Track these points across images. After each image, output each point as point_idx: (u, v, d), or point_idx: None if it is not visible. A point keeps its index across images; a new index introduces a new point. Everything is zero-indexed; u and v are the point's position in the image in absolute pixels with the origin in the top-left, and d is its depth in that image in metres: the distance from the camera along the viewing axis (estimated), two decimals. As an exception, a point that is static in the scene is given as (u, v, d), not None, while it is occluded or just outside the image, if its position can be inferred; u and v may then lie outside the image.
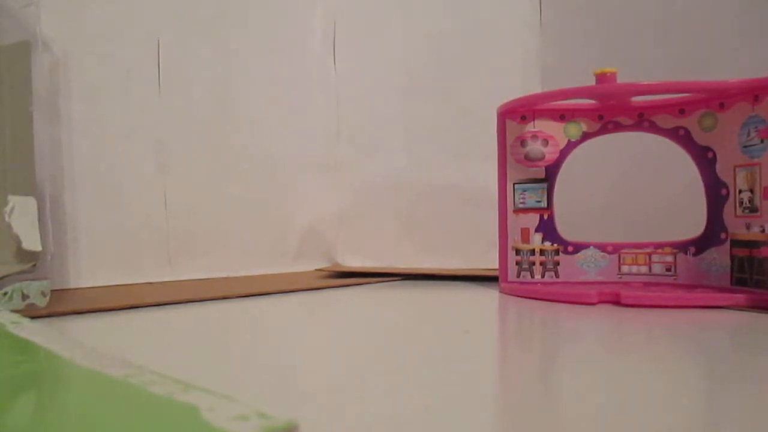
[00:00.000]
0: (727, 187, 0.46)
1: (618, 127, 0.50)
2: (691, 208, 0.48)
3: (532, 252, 0.51)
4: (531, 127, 0.51)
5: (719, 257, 0.46)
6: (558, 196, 0.51)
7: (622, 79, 0.46)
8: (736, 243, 0.45)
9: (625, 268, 0.50)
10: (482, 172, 0.60)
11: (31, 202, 0.45)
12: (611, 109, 0.50)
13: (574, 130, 0.50)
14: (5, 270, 0.41)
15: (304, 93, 0.70)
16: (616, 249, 0.50)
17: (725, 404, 0.21)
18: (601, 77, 0.46)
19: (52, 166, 0.52)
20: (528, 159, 0.51)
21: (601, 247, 0.51)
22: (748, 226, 0.44)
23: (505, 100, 0.51)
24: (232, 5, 0.64)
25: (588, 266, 0.51)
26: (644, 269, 0.49)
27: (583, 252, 0.51)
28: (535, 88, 0.63)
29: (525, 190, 0.52)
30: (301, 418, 0.14)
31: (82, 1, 0.54)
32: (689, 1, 0.60)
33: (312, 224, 0.71)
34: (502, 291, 0.51)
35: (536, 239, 0.51)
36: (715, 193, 0.47)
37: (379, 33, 0.69)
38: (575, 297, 0.44)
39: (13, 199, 0.44)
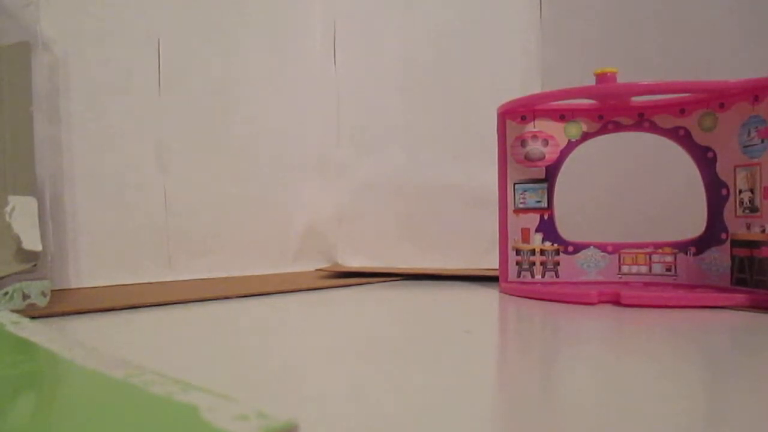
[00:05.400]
0: (727, 187, 0.46)
1: (618, 127, 0.50)
2: (691, 208, 0.48)
3: (533, 252, 0.51)
4: (531, 127, 0.51)
5: (719, 257, 0.46)
6: (558, 196, 0.51)
7: (622, 79, 0.46)
8: (736, 243, 0.45)
9: (625, 268, 0.50)
10: (482, 172, 0.60)
11: (31, 202, 0.45)
12: (611, 109, 0.50)
13: (574, 130, 0.50)
14: (5, 270, 0.41)
15: (304, 93, 0.70)
16: (616, 249, 0.50)
17: (725, 404, 0.21)
18: (601, 77, 0.46)
19: (52, 166, 0.52)
20: (528, 159, 0.51)
21: (601, 247, 0.51)
22: (748, 226, 0.44)
23: (505, 100, 0.51)
24: (232, 5, 0.64)
25: (588, 266, 0.51)
26: (644, 269, 0.49)
27: (583, 252, 0.51)
28: (535, 88, 0.63)
29: (525, 190, 0.52)
30: (301, 418, 0.14)
31: (82, 1, 0.54)
32: (689, 1, 0.60)
33: (312, 224, 0.71)
34: (502, 291, 0.51)
35: (536, 239, 0.51)
36: (716, 193, 0.47)
37: (379, 33, 0.69)
38: (575, 297, 0.44)
39: (13, 199, 0.44)
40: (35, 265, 0.42)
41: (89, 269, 0.55)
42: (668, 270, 0.49)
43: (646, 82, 0.45)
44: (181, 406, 0.15)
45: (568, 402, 0.22)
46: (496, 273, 0.53)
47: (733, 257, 0.45)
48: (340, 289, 0.55)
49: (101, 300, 0.45)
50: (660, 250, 0.49)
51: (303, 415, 0.20)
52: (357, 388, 0.23)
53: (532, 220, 0.51)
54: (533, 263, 0.51)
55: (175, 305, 0.45)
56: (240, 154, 0.65)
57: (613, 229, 0.58)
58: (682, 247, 0.48)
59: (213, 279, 0.62)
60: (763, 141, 0.42)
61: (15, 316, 0.28)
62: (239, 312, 0.43)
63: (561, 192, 0.51)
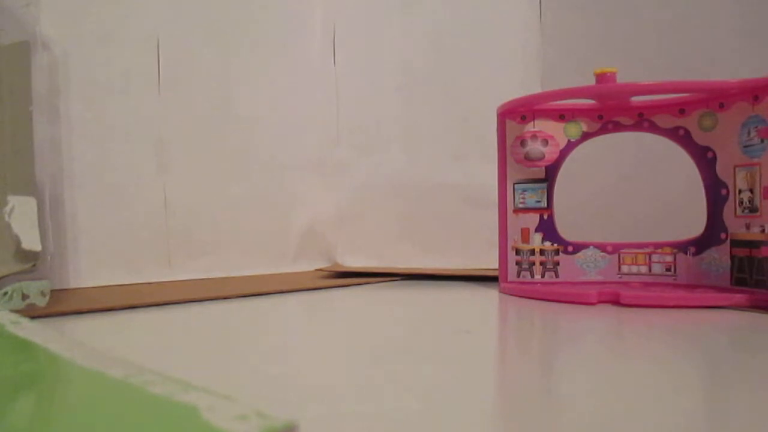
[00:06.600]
0: (727, 187, 0.46)
1: (618, 127, 0.50)
2: (691, 208, 0.48)
3: (532, 252, 0.51)
4: (531, 127, 0.51)
5: (719, 257, 0.46)
6: (558, 196, 0.51)
7: (622, 79, 0.46)
8: (736, 243, 0.45)
9: (624, 268, 0.50)
10: (482, 172, 0.60)
11: (31, 202, 0.45)
12: (611, 109, 0.50)
13: (574, 130, 0.50)
14: (5, 270, 0.41)
15: (304, 93, 0.69)
16: (616, 249, 0.50)
17: (725, 404, 0.21)
18: (601, 77, 0.46)
19: (52, 166, 0.52)
20: (528, 159, 0.51)
21: (601, 247, 0.51)
22: (747, 226, 0.44)
23: (505, 100, 0.51)
24: (232, 5, 0.64)
25: (588, 266, 0.51)
26: (644, 269, 0.49)
27: (583, 252, 0.51)
28: (535, 88, 0.63)
29: (525, 190, 0.52)
30: (301, 418, 0.14)
31: (82, 1, 0.54)
32: (689, 2, 0.60)
33: (312, 224, 0.71)
34: (502, 291, 0.51)
35: (536, 239, 0.51)
36: (715, 193, 0.47)
37: (378, 33, 0.69)
38: (575, 297, 0.44)
39: (13, 199, 0.44)
40: (34, 265, 0.42)
41: (89, 269, 0.55)
42: (668, 270, 0.49)
43: (646, 82, 0.45)
44: (181, 406, 0.15)
45: (568, 402, 0.22)
46: (496, 273, 0.53)
47: (732, 257, 0.45)
48: (340, 289, 0.55)
49: (101, 300, 0.45)
50: (660, 250, 0.49)
51: (303, 415, 0.20)
52: (357, 388, 0.23)
53: (532, 219, 0.51)
54: (533, 263, 0.51)
55: (174, 305, 0.45)
56: (240, 154, 0.65)
57: (613, 229, 0.58)
58: (681, 247, 0.48)
59: (213, 279, 0.62)
60: (762, 141, 0.42)
61: (14, 316, 0.28)
62: (239, 312, 0.43)
63: (561, 192, 0.51)
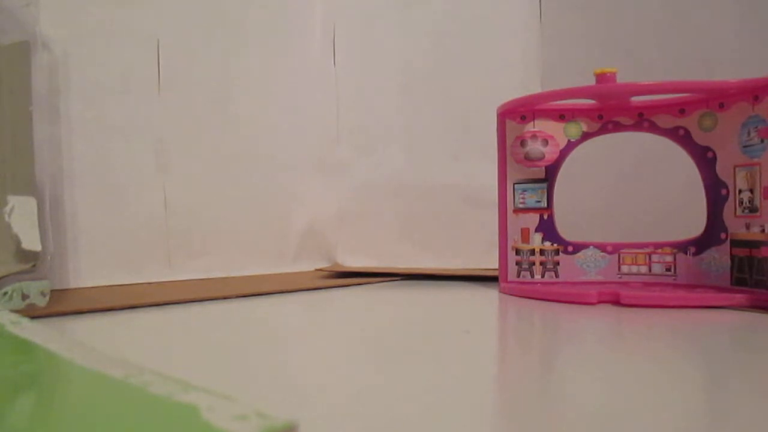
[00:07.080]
0: (727, 187, 0.46)
1: (618, 127, 0.50)
2: (691, 208, 0.48)
3: (532, 252, 0.51)
4: (531, 127, 0.51)
5: (719, 257, 0.46)
6: (558, 196, 0.51)
7: (622, 79, 0.46)
8: (735, 243, 0.45)
9: (624, 268, 0.50)
10: (482, 172, 0.60)
11: (31, 202, 0.45)
12: (611, 109, 0.50)
13: (574, 130, 0.50)
14: (5, 270, 0.41)
15: (304, 93, 0.69)
16: (615, 249, 0.50)
17: (725, 404, 0.21)
18: (601, 77, 0.46)
19: (52, 166, 0.52)
20: (528, 159, 0.51)
21: (601, 247, 0.51)
22: (747, 226, 0.44)
23: (505, 100, 0.51)
24: (232, 5, 0.64)
25: (588, 266, 0.51)
26: (644, 269, 0.49)
27: (583, 252, 0.51)
28: (535, 88, 0.63)
29: (525, 190, 0.52)
30: (301, 418, 0.14)
31: (82, 1, 0.54)
32: (689, 2, 0.60)
33: (312, 224, 0.71)
34: (502, 291, 0.51)
35: (536, 239, 0.51)
36: (715, 193, 0.47)
37: (378, 33, 0.69)
38: (575, 297, 0.44)
39: (13, 199, 0.44)
40: (34, 265, 0.42)
41: (89, 269, 0.55)
42: (668, 270, 0.49)
43: (646, 82, 0.45)
44: (181, 406, 0.15)
45: (568, 402, 0.22)
46: (496, 273, 0.53)
47: (732, 257, 0.45)
48: (340, 289, 0.55)
49: (101, 300, 0.45)
50: (660, 250, 0.49)
51: (303, 415, 0.20)
52: (357, 388, 0.23)
53: (532, 220, 0.51)
54: (533, 263, 0.51)
55: (174, 305, 0.45)
56: (240, 154, 0.65)
57: (613, 229, 0.58)
58: (681, 247, 0.48)
59: (213, 279, 0.62)
60: (762, 141, 0.42)
61: (14, 316, 0.28)
62: (239, 312, 0.43)
63: (561, 192, 0.51)
